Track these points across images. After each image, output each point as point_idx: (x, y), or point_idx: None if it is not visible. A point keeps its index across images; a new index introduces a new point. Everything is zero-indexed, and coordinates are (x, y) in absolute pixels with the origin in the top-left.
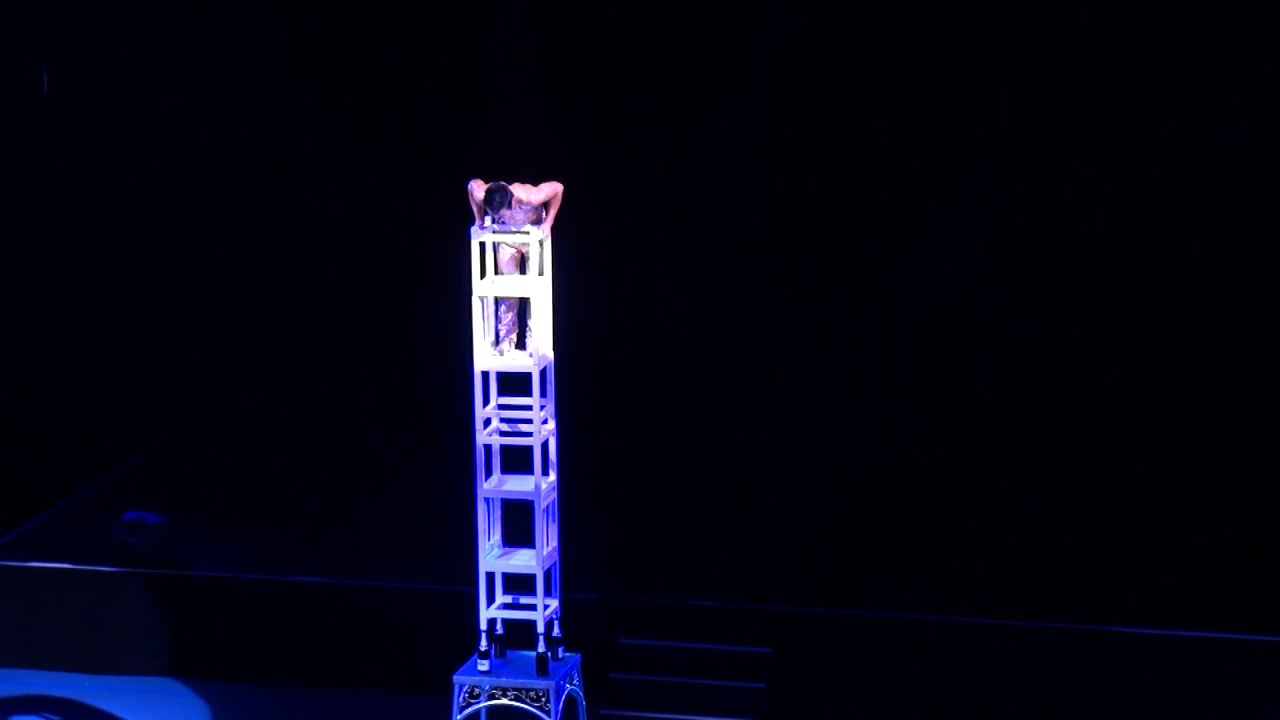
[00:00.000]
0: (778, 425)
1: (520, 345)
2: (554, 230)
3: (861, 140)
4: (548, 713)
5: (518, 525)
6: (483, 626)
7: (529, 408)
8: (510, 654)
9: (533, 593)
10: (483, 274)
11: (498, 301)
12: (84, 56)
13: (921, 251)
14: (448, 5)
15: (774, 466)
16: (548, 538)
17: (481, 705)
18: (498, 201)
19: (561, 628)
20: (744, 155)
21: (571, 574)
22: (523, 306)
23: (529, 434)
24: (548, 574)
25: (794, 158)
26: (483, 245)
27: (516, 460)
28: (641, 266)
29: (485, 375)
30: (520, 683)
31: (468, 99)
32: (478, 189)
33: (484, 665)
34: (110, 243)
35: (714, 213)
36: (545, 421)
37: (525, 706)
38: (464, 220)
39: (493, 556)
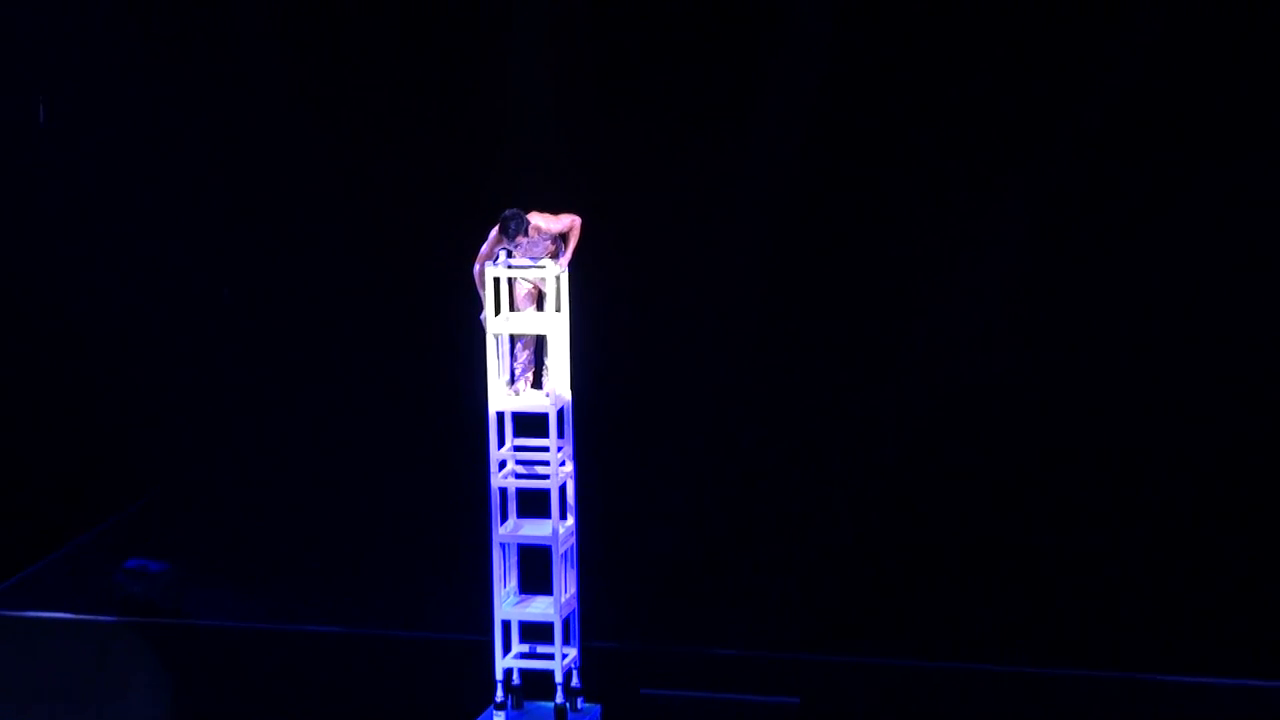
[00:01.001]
0: (805, 468)
1: (537, 384)
2: (571, 264)
3: (896, 168)
4: None
5: (535, 571)
6: (499, 677)
7: (546, 449)
8: (527, 705)
9: (551, 641)
10: (497, 310)
11: (513, 339)
12: (84, 87)
13: (960, 285)
14: (464, 34)
15: (801, 511)
16: (566, 584)
17: None
18: (514, 229)
19: (581, 678)
20: (771, 187)
21: (591, 622)
22: (539, 344)
23: (546, 476)
24: (566, 622)
25: (824, 190)
26: (498, 281)
27: (533, 504)
28: (663, 303)
29: (500, 416)
30: None
31: (486, 130)
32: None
33: (500, 717)
34: (114, 284)
35: (739, 246)
36: (563, 463)
37: None
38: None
39: (509, 604)
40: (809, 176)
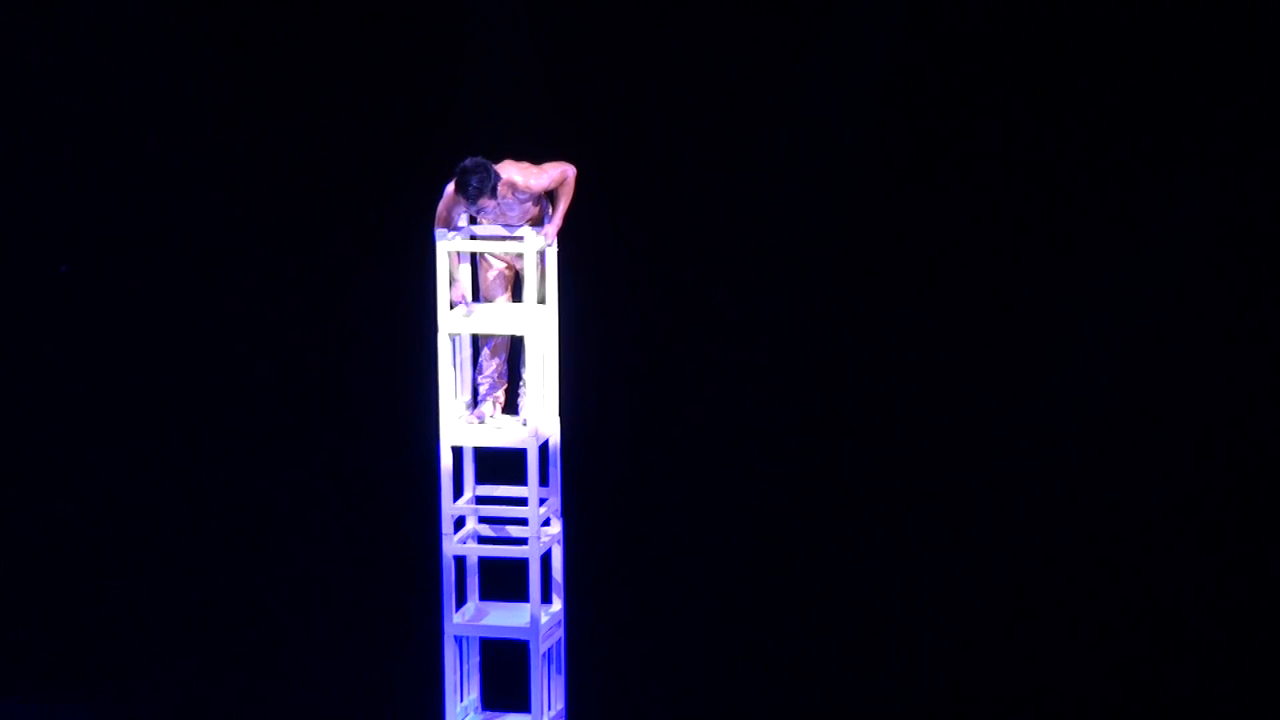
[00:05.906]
0: (875, 535)
1: (510, 408)
2: (563, 235)
3: (1010, 125)
4: None
5: (506, 677)
6: None
7: (523, 502)
8: None
9: None
10: (454, 303)
11: (477, 342)
12: None
13: (1082, 291)
14: None
15: (868, 596)
16: (551, 697)
17: None
18: (476, 187)
19: None
20: (836, 136)
21: None
22: (515, 350)
23: (523, 540)
24: None
25: (907, 142)
26: (460, 258)
27: (504, 580)
28: (692, 292)
29: (458, 453)
30: None
31: (438, 51)
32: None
33: None
34: None
35: (793, 217)
36: (547, 522)
37: None
38: (425, 224)
39: None
40: (897, 123)
